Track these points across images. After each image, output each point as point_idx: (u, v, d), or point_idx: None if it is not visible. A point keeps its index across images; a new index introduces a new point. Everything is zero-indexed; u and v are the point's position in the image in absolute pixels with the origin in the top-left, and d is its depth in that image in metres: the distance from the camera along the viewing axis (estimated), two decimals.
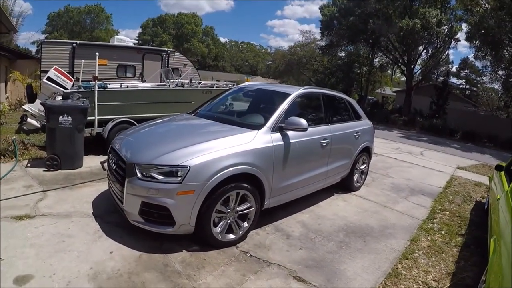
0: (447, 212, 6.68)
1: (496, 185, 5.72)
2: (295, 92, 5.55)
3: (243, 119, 5.49)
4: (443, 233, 5.64)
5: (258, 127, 4.75)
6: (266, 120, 4.89)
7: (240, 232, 4.47)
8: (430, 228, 5.79)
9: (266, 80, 55.27)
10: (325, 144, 5.69)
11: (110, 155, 4.82)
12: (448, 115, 26.87)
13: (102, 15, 70.22)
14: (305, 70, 44.47)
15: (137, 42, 18.07)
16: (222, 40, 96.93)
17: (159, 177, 3.90)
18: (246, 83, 7.54)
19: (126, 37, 15.15)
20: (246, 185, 4.31)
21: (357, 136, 6.77)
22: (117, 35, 33.04)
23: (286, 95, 5.41)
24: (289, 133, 4.90)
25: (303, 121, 4.76)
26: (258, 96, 6.51)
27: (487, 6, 24.68)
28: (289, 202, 5.48)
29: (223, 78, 51.42)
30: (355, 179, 7.14)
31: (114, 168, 4.47)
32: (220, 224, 4.26)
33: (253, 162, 4.33)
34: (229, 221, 4.33)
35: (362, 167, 7.40)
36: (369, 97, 41.67)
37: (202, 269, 3.83)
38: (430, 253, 4.85)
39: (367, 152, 7.41)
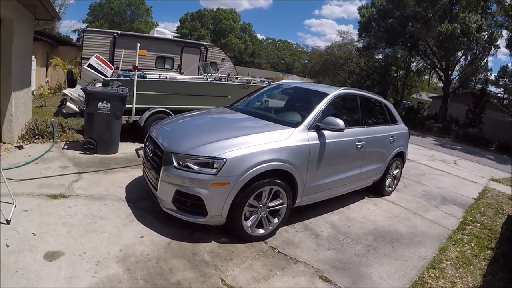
0: (478, 224, 6.53)
1: None
2: (333, 92, 5.55)
3: (280, 116, 5.50)
4: (472, 245, 5.53)
5: (295, 124, 4.78)
6: (303, 118, 4.91)
7: (270, 228, 4.50)
8: (460, 239, 5.67)
9: (301, 79, 55.13)
10: (360, 146, 5.66)
11: (147, 143, 4.92)
12: (484, 124, 26.17)
13: (142, 8, 71.04)
14: (341, 71, 43.99)
15: (176, 35, 18.26)
16: (259, 37, 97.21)
17: (195, 167, 3.97)
18: (284, 81, 7.56)
19: (166, 30, 15.42)
20: (279, 181, 4.34)
21: (392, 140, 6.69)
22: (156, 27, 33.55)
23: (324, 94, 5.42)
24: (326, 132, 4.90)
25: (340, 122, 4.75)
26: (295, 94, 6.52)
27: None
28: (320, 202, 5.48)
29: (259, 74, 51.59)
30: (387, 183, 7.06)
31: (150, 155, 4.57)
32: (251, 218, 4.31)
33: (288, 159, 4.36)
34: (260, 216, 4.37)
35: (395, 172, 7.31)
36: (405, 101, 41.08)
37: (230, 261, 3.89)
38: (458, 265, 4.78)
39: (401, 157, 7.31)
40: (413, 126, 25.24)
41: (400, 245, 5.04)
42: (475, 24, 25.88)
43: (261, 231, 4.44)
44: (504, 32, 28.13)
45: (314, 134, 4.80)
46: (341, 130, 4.81)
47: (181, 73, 12.27)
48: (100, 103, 6.82)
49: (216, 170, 3.91)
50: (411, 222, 6.05)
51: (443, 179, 10.04)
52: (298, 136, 4.60)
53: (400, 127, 7.24)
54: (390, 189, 7.26)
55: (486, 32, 28.02)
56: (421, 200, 7.43)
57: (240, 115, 5.53)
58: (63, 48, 20.39)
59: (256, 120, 5.16)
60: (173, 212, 4.18)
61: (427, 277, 4.28)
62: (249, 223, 4.28)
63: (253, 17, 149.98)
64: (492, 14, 28.89)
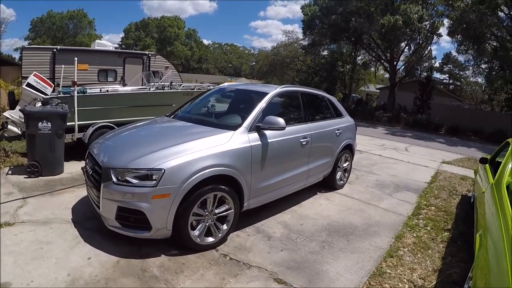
0: (433, 208, 6.63)
1: (481, 178, 5.69)
2: (273, 91, 5.48)
3: (220, 120, 5.42)
4: (428, 229, 5.58)
5: (234, 127, 4.66)
6: (243, 120, 4.81)
7: (220, 235, 4.38)
8: (415, 224, 5.73)
9: (250, 81, 55.30)
10: (305, 142, 5.62)
11: (87, 160, 4.74)
12: (432, 110, 27.07)
13: (84, 20, 69.44)
14: (288, 70, 44.45)
15: (118, 46, 17.99)
16: (206, 42, 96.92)
17: (134, 181, 3.82)
18: (226, 84, 7.46)
19: (107, 42, 15.16)
20: (223, 187, 4.23)
21: (338, 134, 6.71)
22: (100, 39, 33.00)
23: (263, 94, 5.34)
24: (267, 132, 4.82)
25: (281, 120, 4.68)
26: (236, 96, 6.42)
27: (468, 1, 24.97)
28: (271, 202, 5.41)
29: (207, 80, 51.30)
30: (338, 177, 7.06)
31: (90, 173, 4.40)
32: (198, 227, 4.17)
33: (229, 163, 4.25)
34: (207, 223, 4.24)
35: (345, 165, 7.32)
36: (353, 94, 41.87)
37: (181, 273, 3.75)
38: (416, 250, 4.79)
39: (349, 149, 7.34)
40: (363, 118, 26.00)
41: (355, 238, 5.01)
42: (416, 15, 26.75)
43: (211, 239, 4.30)
44: (445, 21, 29.09)
45: (255, 135, 4.72)
46: (282, 128, 4.74)
47: (124, 85, 12.01)
48: (40, 123, 6.53)
49: (155, 181, 3.77)
50: (365, 213, 6.05)
51: (395, 166, 10.20)
52: (239, 139, 4.51)
53: (346, 120, 7.28)
54: (341, 182, 7.26)
55: (427, 22, 29.02)
56: (374, 189, 7.49)
57: (180, 123, 5.38)
58: (5, 68, 19.69)
59: (196, 126, 5.01)
60: (118, 230, 4.01)
61: (385, 267, 4.26)
62: (196, 232, 4.14)
63: (198, 22, 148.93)
64: (432, 4, 29.86)
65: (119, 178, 3.88)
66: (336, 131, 6.67)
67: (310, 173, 6.02)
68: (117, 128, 5.90)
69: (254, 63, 77.02)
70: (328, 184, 6.98)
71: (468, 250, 4.87)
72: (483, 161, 6.14)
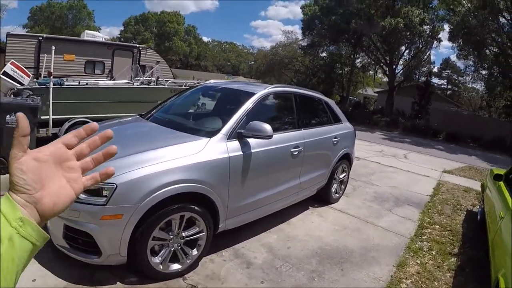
0: (437, 226, 5.96)
1: (494, 198, 4.99)
2: (261, 91, 4.68)
3: (197, 124, 4.68)
4: (434, 253, 4.89)
5: (210, 134, 3.89)
6: (223, 125, 4.03)
7: (188, 261, 3.62)
8: (419, 248, 5.02)
9: (248, 79, 54.93)
10: (296, 152, 4.84)
11: None
12: (430, 115, 26.67)
13: (84, 11, 68.62)
14: (286, 70, 44.09)
15: (108, 37, 17.46)
16: (206, 39, 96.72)
17: (82, 196, 3.05)
18: (212, 81, 6.74)
19: (97, 32, 14.73)
20: (193, 206, 3.46)
21: (335, 142, 5.96)
22: (98, 31, 32.65)
23: (250, 94, 4.55)
24: (251, 141, 4.05)
25: (267, 127, 3.90)
26: (222, 96, 5.64)
27: (469, 6, 24.77)
28: (255, 220, 4.64)
29: (205, 77, 50.97)
30: (333, 190, 6.33)
31: None
32: (161, 252, 3.44)
33: (201, 178, 3.48)
34: (173, 248, 3.49)
35: (342, 176, 6.58)
36: (351, 97, 41.65)
37: None
38: (420, 282, 4.11)
39: (347, 159, 6.62)
40: (361, 122, 25.60)
41: (351, 266, 4.28)
42: (417, 18, 26.58)
43: (177, 266, 3.56)
44: (446, 26, 29.01)
45: (235, 143, 3.94)
46: (269, 137, 3.95)
47: (112, 78, 11.51)
48: (8, 116, 5.92)
49: (105, 199, 3.04)
50: (363, 233, 5.32)
51: (394, 176, 9.52)
52: (214, 148, 3.72)
53: (344, 126, 6.56)
54: (337, 195, 6.54)
55: (428, 26, 28.93)
56: (373, 204, 6.78)
57: (150, 125, 4.57)
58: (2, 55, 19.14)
59: (167, 131, 4.20)
60: (66, 251, 3.32)
61: None
62: (158, 259, 3.39)
63: (199, 20, 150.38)
64: (433, 9, 29.71)
65: None
66: (333, 139, 5.92)
67: (301, 187, 5.26)
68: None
69: (252, 62, 76.65)
70: (322, 197, 6.23)
71: (478, 279, 4.25)
72: (497, 178, 5.38)
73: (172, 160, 3.36)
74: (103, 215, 3.04)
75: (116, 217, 3.06)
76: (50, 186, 0.70)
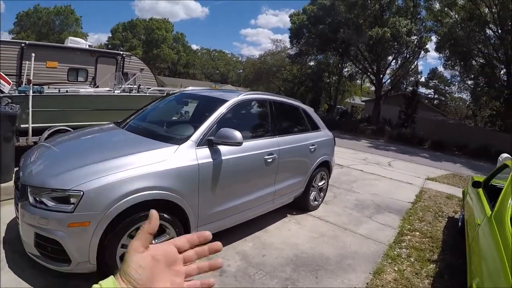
0: (417, 233, 5.94)
1: (473, 206, 4.97)
2: (233, 98, 4.65)
3: (169, 132, 4.63)
4: (412, 260, 4.86)
5: (180, 141, 3.85)
6: (194, 132, 3.99)
7: None
8: (398, 255, 4.99)
9: (236, 88, 55.09)
10: (270, 160, 4.81)
11: (16, 170, 4.04)
12: (417, 124, 26.93)
13: (71, 17, 68.28)
14: (274, 79, 44.33)
15: (92, 44, 17.35)
16: (195, 47, 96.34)
17: (50, 203, 3.08)
18: (189, 89, 6.70)
19: (81, 39, 14.61)
20: (162, 214, 3.39)
21: (313, 149, 5.92)
22: (86, 38, 32.51)
23: (222, 102, 4.51)
24: (222, 148, 4.01)
25: (237, 134, 3.86)
26: (198, 104, 5.56)
27: (457, 17, 25.34)
28: (232, 228, 4.61)
29: (193, 85, 50.91)
30: (311, 197, 6.28)
31: (14, 188, 3.73)
32: None
33: (168, 186, 3.44)
34: None
35: (321, 183, 6.54)
36: (339, 106, 41.88)
37: None
38: None
39: (326, 166, 6.57)
40: (347, 130, 25.90)
41: (326, 274, 4.23)
42: (405, 28, 26.83)
43: None
44: (433, 37, 29.76)
45: (205, 150, 3.90)
46: (238, 144, 3.92)
47: (95, 86, 11.39)
48: None
49: (72, 206, 3.00)
50: (340, 241, 5.28)
51: (377, 183, 9.52)
52: (183, 155, 3.69)
53: (323, 134, 6.53)
54: (316, 203, 6.49)
55: (415, 37, 29.22)
56: (353, 211, 6.75)
57: (121, 132, 4.51)
58: None
59: (139, 138, 4.16)
60: (38, 259, 3.28)
61: None
62: None
63: (189, 27, 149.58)
64: (421, 20, 30.19)
65: (36, 198, 3.14)
66: (311, 146, 5.89)
67: (277, 194, 5.21)
68: (59, 135, 5.30)
69: (241, 70, 76.78)
70: (300, 205, 6.18)
71: (456, 286, 4.26)
72: (476, 185, 5.38)
73: (139, 167, 3.32)
74: (70, 222, 3.00)
75: (83, 225, 3.02)
76: (156, 286, 0.71)
